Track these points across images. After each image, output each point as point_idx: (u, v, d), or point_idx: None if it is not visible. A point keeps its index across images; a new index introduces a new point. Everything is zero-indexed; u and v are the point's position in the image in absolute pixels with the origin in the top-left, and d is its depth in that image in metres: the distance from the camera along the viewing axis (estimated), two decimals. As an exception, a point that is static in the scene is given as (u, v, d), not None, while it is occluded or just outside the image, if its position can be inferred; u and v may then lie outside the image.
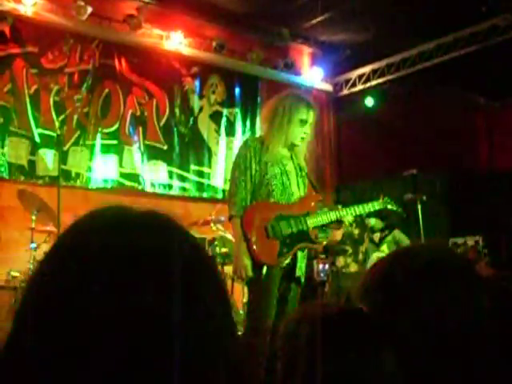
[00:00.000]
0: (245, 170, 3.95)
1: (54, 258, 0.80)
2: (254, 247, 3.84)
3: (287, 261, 3.94)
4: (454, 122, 12.32)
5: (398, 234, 9.12)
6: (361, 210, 4.14)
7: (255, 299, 3.92)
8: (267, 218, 3.91)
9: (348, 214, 4.11)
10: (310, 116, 4.08)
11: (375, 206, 4.26)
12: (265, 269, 3.84)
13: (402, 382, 1.08)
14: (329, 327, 1.10)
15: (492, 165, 12.80)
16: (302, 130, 4.06)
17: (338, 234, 4.36)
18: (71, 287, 0.74)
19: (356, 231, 7.56)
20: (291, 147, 4.10)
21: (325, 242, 4.23)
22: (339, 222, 4.12)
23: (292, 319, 1.20)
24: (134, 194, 8.91)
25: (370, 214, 8.42)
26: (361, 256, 7.65)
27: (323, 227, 4.12)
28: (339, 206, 4.24)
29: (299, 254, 4.00)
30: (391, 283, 1.16)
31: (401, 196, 7.22)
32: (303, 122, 4.04)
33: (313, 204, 4.10)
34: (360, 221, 7.65)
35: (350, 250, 7.47)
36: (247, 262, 3.83)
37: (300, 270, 4.03)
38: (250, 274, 3.85)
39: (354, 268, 7.49)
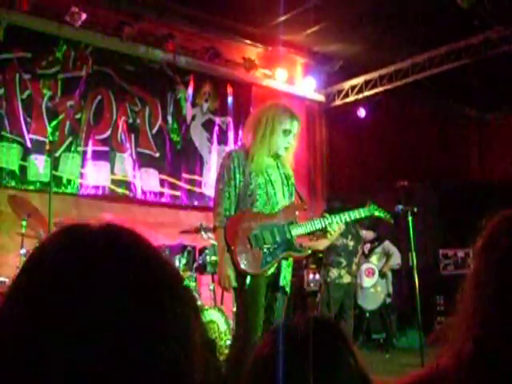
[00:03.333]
0: (228, 181, 3.96)
1: (19, 279, 0.81)
2: (238, 257, 3.83)
3: (271, 270, 3.92)
4: (445, 134, 12.38)
5: (387, 245, 9.14)
6: (346, 217, 4.12)
7: (242, 309, 3.91)
8: (250, 228, 3.90)
9: (333, 222, 4.09)
10: (294, 126, 4.09)
11: (361, 212, 4.23)
12: (248, 278, 3.84)
13: None
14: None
15: (483, 176, 12.85)
16: (286, 140, 4.06)
17: (321, 244, 4.36)
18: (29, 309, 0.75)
19: (351, 243, 7.56)
20: (276, 156, 4.10)
21: (309, 252, 4.20)
22: (325, 231, 4.10)
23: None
24: (125, 202, 8.89)
25: (362, 226, 8.44)
26: (354, 267, 7.64)
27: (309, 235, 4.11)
28: (326, 214, 4.21)
29: (283, 263, 3.99)
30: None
31: (392, 207, 7.23)
32: (287, 133, 4.04)
33: (297, 213, 4.09)
34: (355, 233, 7.65)
35: (345, 262, 7.47)
36: (230, 272, 3.83)
37: (284, 279, 4.01)
38: (234, 284, 3.85)
39: (347, 279, 7.48)
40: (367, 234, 8.97)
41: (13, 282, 0.80)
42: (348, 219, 4.11)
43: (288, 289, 4.04)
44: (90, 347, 0.71)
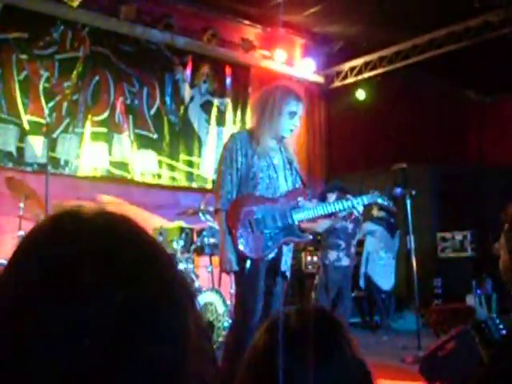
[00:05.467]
0: (231, 163, 3.94)
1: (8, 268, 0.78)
2: (239, 241, 3.82)
3: (272, 254, 3.91)
4: (444, 117, 12.34)
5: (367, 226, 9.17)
6: (349, 204, 4.10)
7: (242, 293, 3.92)
8: (252, 212, 3.88)
9: (336, 209, 4.08)
10: (299, 108, 4.06)
11: (364, 200, 4.21)
12: (249, 262, 3.83)
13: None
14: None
15: (481, 160, 12.83)
16: (292, 123, 4.04)
17: (320, 226, 4.35)
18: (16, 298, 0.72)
19: (350, 225, 7.56)
20: (280, 140, 4.08)
21: (311, 237, 4.19)
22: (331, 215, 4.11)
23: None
24: (123, 183, 8.87)
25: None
26: (353, 250, 7.66)
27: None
28: (348, 196, 4.21)
29: (284, 247, 3.98)
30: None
31: (390, 190, 7.23)
32: (292, 114, 4.02)
33: (299, 198, 4.07)
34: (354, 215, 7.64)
35: (344, 245, 7.47)
36: (232, 255, 3.82)
37: (285, 264, 4.01)
38: (235, 267, 3.84)
39: (346, 262, 7.48)
40: (378, 213, 9.03)
41: (2, 274, 0.78)
42: (351, 206, 4.09)
43: (288, 273, 4.04)
44: (78, 344, 0.69)
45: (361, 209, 4.14)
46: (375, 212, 9.09)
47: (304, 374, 1.09)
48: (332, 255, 7.44)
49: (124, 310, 0.72)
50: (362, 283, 9.20)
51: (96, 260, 0.74)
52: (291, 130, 4.05)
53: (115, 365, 0.70)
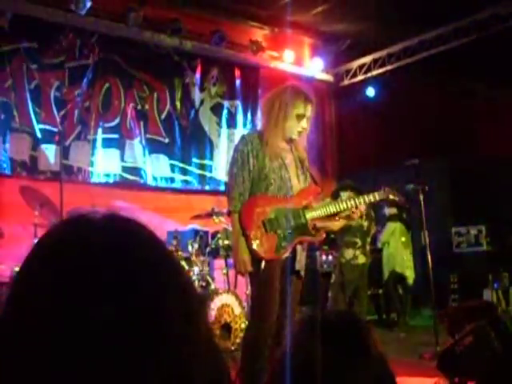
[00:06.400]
0: (242, 165, 3.94)
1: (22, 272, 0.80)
2: (253, 242, 3.83)
3: (286, 254, 3.92)
4: (454, 111, 12.29)
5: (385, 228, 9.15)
6: (361, 201, 4.09)
7: (257, 293, 3.92)
8: (265, 212, 3.89)
9: (348, 206, 4.07)
10: (308, 110, 4.04)
11: (376, 196, 4.20)
12: (263, 263, 3.83)
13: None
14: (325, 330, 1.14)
15: (493, 153, 12.77)
16: (299, 125, 4.02)
17: (335, 225, 4.33)
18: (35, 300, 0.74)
19: (365, 223, 7.55)
20: (289, 140, 4.08)
21: (324, 236, 4.19)
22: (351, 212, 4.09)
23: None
24: (137, 188, 8.92)
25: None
26: (368, 247, 7.65)
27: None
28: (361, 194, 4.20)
29: (298, 247, 3.99)
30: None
31: (403, 186, 7.21)
32: (300, 117, 4.00)
33: (311, 197, 4.07)
34: (369, 213, 7.62)
35: (360, 243, 7.46)
36: (246, 256, 3.83)
37: (299, 263, 4.01)
38: (250, 268, 3.84)
39: (362, 260, 7.48)
40: (390, 211, 9.00)
41: (12, 284, 0.80)
42: (363, 203, 4.08)
43: (303, 273, 4.04)
44: (88, 348, 0.70)
45: (364, 207, 4.13)
46: (386, 211, 9.05)
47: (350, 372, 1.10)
48: (348, 253, 7.44)
49: (133, 313, 0.73)
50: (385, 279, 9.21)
51: (106, 262, 0.75)
52: (299, 132, 4.05)
53: (126, 364, 0.71)
